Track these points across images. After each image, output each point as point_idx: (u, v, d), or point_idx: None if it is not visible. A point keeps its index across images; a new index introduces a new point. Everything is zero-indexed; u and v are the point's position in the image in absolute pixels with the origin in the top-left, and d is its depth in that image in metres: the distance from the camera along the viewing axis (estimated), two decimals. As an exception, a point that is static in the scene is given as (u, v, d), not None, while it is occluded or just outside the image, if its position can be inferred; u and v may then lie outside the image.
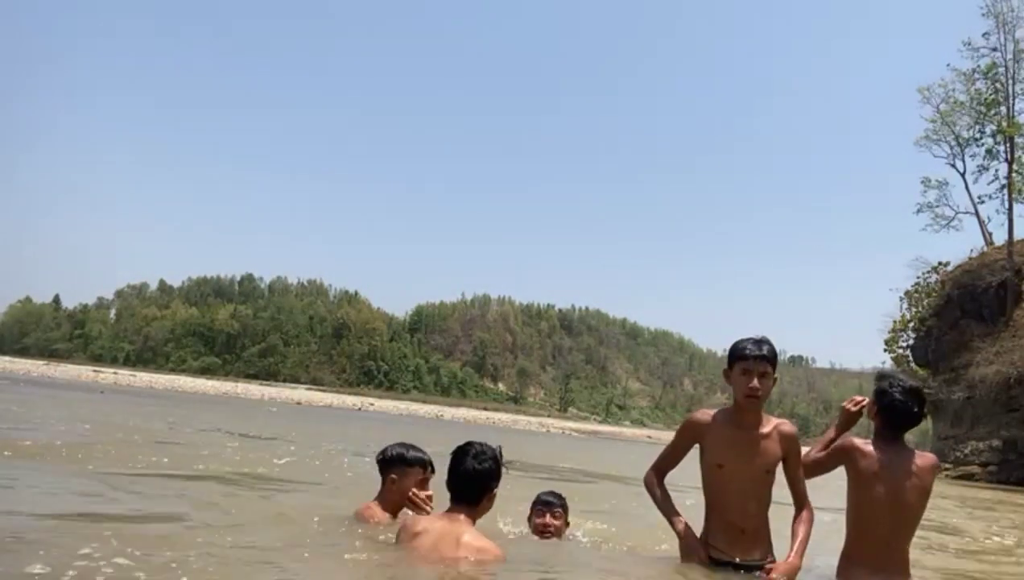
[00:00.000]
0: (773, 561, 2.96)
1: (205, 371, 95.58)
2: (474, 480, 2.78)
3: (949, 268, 33.66)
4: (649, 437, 55.99)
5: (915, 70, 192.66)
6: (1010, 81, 31.45)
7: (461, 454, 2.83)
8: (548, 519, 3.73)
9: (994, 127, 32.16)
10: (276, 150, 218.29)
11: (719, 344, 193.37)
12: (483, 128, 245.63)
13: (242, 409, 23.11)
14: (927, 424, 46.11)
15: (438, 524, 2.76)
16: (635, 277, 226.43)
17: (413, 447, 3.48)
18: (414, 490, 3.37)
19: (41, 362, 55.29)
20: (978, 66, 32.40)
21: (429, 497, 3.40)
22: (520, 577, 2.80)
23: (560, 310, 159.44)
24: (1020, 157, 31.25)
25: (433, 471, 3.44)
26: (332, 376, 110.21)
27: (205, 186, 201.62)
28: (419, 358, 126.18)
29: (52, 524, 3.05)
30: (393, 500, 3.40)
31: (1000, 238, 31.51)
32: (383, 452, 3.45)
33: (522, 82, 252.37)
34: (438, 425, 31.82)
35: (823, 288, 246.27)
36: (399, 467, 3.39)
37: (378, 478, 3.50)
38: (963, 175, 33.41)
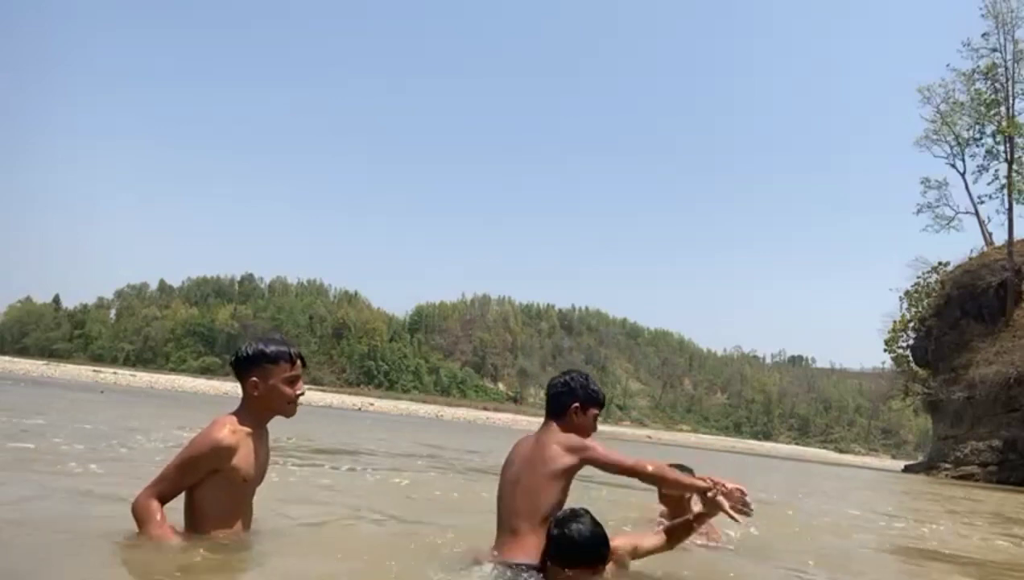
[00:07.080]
0: None
1: (205, 371, 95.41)
2: None
3: (949, 268, 33.68)
4: (649, 437, 55.97)
5: (915, 70, 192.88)
6: (1010, 81, 31.51)
7: None
8: None
9: (994, 127, 32.20)
10: (276, 149, 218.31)
11: (719, 344, 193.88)
12: (483, 127, 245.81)
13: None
14: (927, 424, 45.80)
15: None
16: (635, 277, 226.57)
17: (273, 339, 2.84)
18: None
19: (41, 362, 55.24)
20: (978, 66, 32.49)
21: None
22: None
23: (560, 310, 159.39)
24: (1020, 157, 31.27)
25: (304, 365, 2.87)
26: (332, 376, 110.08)
27: (205, 186, 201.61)
28: (419, 358, 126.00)
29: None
30: (257, 408, 2.78)
31: (1000, 238, 31.53)
32: (236, 353, 2.83)
33: (523, 82, 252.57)
34: (438, 425, 31.87)
35: (823, 288, 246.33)
36: (260, 366, 2.76)
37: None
38: (963, 175, 33.49)
